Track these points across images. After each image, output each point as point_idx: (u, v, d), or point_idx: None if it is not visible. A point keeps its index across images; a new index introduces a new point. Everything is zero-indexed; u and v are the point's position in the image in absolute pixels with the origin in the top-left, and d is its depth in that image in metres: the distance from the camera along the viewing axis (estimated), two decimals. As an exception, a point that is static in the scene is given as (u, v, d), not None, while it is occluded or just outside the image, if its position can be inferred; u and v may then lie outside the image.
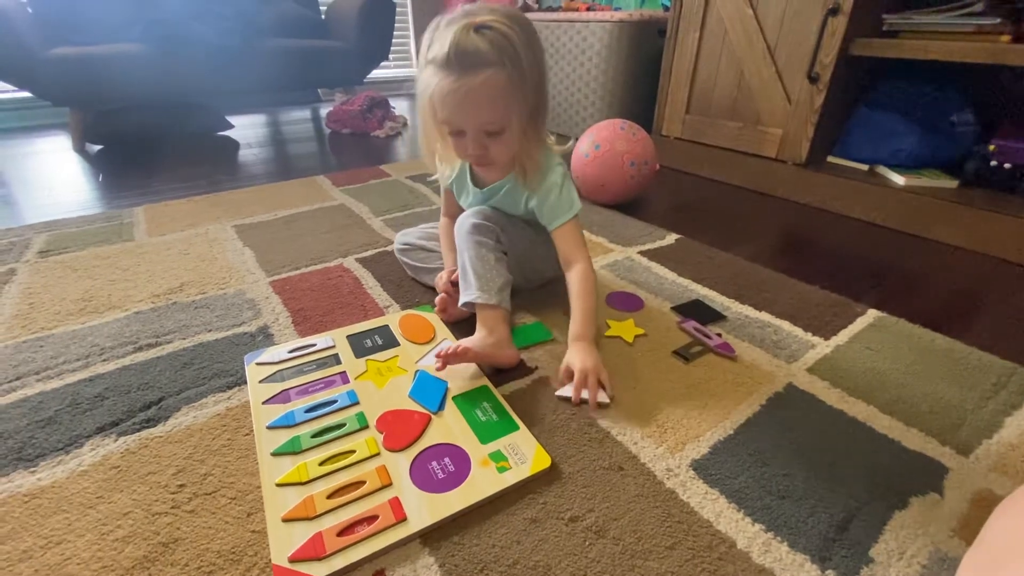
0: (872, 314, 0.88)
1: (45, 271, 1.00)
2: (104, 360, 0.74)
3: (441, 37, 0.63)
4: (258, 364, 0.72)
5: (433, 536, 0.50)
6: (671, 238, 1.18)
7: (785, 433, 0.62)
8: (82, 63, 1.75)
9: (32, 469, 0.57)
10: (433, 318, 0.84)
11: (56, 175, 1.63)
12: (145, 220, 1.24)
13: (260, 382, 0.69)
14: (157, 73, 1.88)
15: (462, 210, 0.93)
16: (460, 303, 0.76)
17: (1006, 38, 1.10)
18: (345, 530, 0.49)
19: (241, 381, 0.70)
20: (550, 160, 0.78)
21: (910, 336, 0.82)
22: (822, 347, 0.79)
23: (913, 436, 0.63)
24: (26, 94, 1.88)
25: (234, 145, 2.03)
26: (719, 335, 0.80)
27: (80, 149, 1.90)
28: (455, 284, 0.80)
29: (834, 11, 1.26)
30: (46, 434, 0.61)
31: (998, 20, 1.10)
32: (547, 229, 0.80)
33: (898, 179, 1.29)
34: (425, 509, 0.51)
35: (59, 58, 1.71)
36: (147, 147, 1.94)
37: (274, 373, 0.71)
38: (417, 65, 0.68)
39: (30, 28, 1.71)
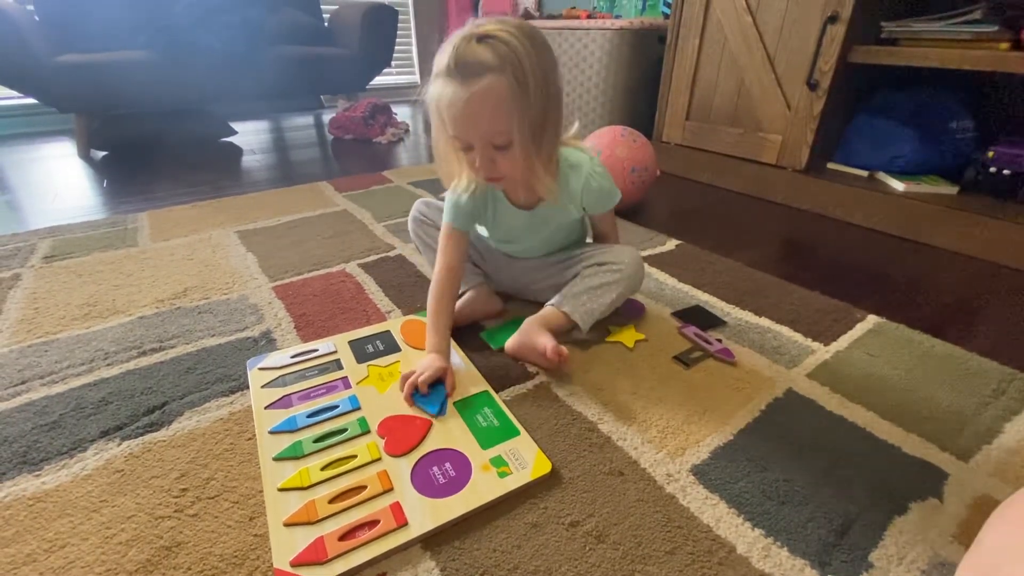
0: (872, 320, 0.88)
1: (50, 276, 1.01)
2: (108, 364, 0.75)
3: (446, 49, 0.63)
4: (260, 369, 0.73)
5: (434, 541, 0.50)
6: (671, 244, 1.18)
7: (785, 438, 0.63)
8: (88, 70, 1.76)
9: (36, 473, 0.57)
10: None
11: (61, 181, 1.64)
12: (149, 225, 1.25)
13: (262, 387, 0.69)
14: (162, 80, 1.89)
15: (471, 251, 0.88)
16: (578, 321, 0.77)
17: (1004, 45, 1.11)
18: (347, 534, 0.49)
19: (244, 386, 0.71)
20: (574, 157, 0.77)
21: (910, 342, 0.83)
22: (822, 352, 0.79)
23: (913, 441, 0.63)
24: (31, 100, 1.90)
25: (237, 151, 2.04)
26: (719, 340, 0.81)
27: (85, 155, 1.92)
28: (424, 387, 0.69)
29: (833, 19, 1.27)
30: (50, 438, 0.62)
31: (996, 28, 1.11)
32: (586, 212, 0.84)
33: (898, 185, 1.30)
34: (426, 514, 0.52)
35: (65, 65, 1.72)
36: (151, 153, 1.96)
37: (276, 378, 0.71)
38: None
39: (36, 35, 1.73)
